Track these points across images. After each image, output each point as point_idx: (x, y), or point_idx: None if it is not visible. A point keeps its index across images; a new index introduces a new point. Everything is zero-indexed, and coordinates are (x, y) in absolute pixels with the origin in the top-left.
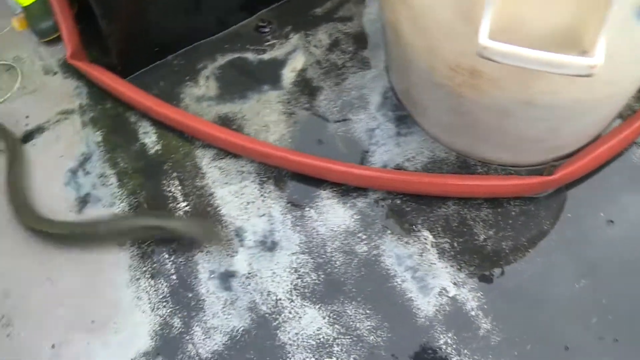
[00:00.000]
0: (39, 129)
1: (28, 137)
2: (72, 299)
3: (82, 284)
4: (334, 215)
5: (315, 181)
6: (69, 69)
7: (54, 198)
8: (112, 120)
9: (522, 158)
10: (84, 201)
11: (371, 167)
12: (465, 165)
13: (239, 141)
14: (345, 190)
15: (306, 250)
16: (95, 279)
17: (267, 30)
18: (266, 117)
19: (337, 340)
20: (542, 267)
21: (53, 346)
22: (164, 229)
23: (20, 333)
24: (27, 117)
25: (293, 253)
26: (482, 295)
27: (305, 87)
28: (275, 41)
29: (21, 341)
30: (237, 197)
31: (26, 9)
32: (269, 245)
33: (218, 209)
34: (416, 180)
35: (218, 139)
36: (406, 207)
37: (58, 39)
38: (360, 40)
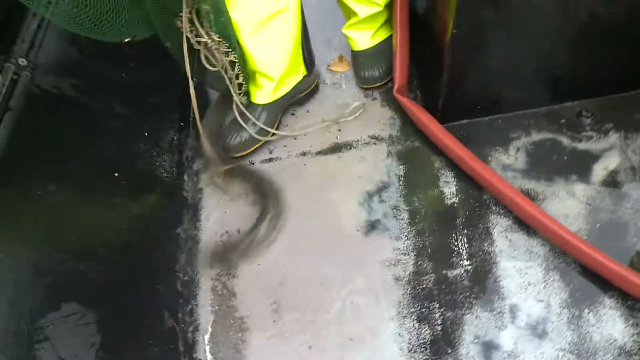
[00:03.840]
0: (347, 145)
1: (336, 149)
2: (336, 314)
3: (353, 304)
4: (612, 326)
5: (602, 284)
6: (387, 98)
7: (346, 212)
8: (417, 159)
9: None
10: (372, 226)
11: None
12: None
13: (545, 220)
14: (632, 304)
15: (575, 352)
16: (364, 301)
17: (588, 120)
18: (567, 206)
19: None
20: None
21: (310, 347)
22: None
23: (284, 322)
24: (339, 130)
25: (562, 349)
26: None
27: (614, 192)
28: (593, 133)
29: (284, 330)
30: (519, 274)
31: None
32: (539, 332)
33: (498, 279)
34: None
35: (525, 212)
36: None
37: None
38: None
